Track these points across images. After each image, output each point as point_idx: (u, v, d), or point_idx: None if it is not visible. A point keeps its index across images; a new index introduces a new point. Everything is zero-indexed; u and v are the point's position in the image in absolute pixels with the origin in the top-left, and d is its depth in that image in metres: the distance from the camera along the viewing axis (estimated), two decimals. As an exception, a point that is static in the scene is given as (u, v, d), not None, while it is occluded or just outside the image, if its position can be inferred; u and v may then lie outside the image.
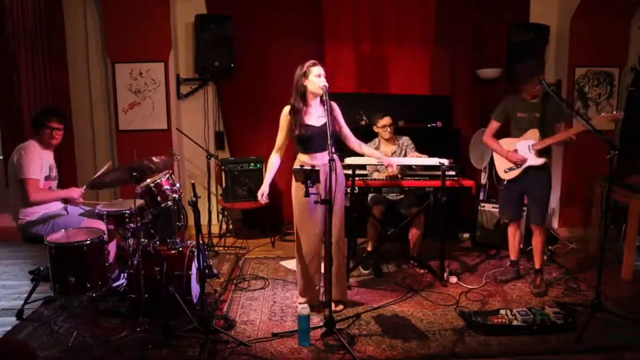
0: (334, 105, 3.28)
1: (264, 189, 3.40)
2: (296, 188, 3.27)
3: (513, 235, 4.01)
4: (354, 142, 3.46)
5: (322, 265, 3.49)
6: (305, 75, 3.17)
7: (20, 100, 4.70)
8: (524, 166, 3.73)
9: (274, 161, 3.42)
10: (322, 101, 3.14)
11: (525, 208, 4.21)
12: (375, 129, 4.27)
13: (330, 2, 5.11)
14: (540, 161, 3.69)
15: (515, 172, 3.78)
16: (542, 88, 3.64)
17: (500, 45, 5.16)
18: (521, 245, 4.43)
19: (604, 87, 5.15)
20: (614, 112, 3.56)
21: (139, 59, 4.86)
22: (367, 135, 4.48)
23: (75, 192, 3.59)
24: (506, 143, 3.83)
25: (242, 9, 5.05)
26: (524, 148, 3.73)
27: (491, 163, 4.84)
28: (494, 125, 3.90)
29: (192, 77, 5.19)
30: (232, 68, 4.99)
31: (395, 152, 4.26)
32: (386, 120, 4.19)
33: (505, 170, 3.85)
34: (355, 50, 5.20)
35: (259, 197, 3.40)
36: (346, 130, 3.41)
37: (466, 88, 5.31)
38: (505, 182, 3.89)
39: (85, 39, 5.11)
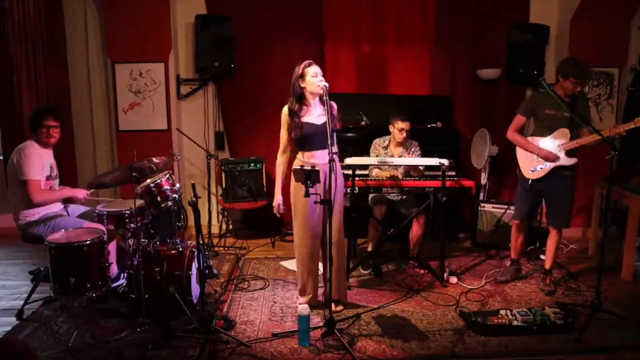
0: (334, 105, 3.28)
1: (279, 199, 3.37)
2: (295, 188, 3.27)
3: (517, 235, 3.98)
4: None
5: (321, 265, 3.50)
6: (302, 77, 3.17)
7: (20, 100, 4.70)
8: (552, 166, 3.61)
9: (282, 164, 3.37)
10: (322, 101, 3.14)
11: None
12: (391, 128, 4.25)
13: (330, 2, 5.12)
14: (572, 161, 3.57)
15: (543, 172, 3.65)
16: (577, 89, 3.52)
17: (500, 45, 5.16)
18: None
19: (604, 87, 5.15)
20: None
21: (139, 59, 4.86)
22: (368, 135, 4.49)
23: (81, 193, 3.57)
24: (533, 142, 3.70)
25: (242, 9, 5.04)
26: (553, 147, 3.61)
27: (491, 163, 4.86)
28: (519, 120, 3.76)
29: (192, 78, 5.19)
30: (232, 68, 4.99)
31: (402, 154, 4.25)
32: (405, 124, 4.14)
33: (531, 169, 3.70)
34: (355, 50, 5.20)
35: (275, 210, 3.38)
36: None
37: (466, 88, 5.31)
38: (529, 182, 3.72)
39: (85, 39, 5.12)
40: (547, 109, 3.65)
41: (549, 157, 3.60)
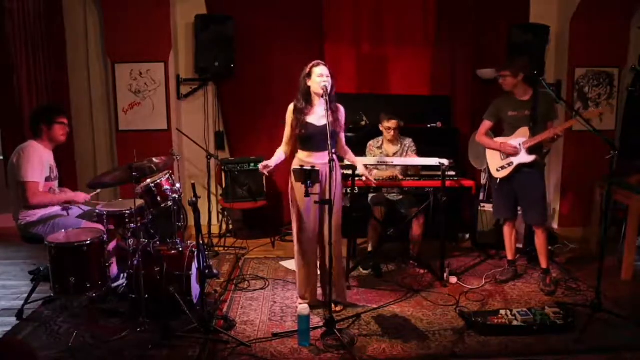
0: (341, 108, 3.33)
1: (269, 163, 3.28)
2: (296, 188, 3.28)
3: (509, 235, 4.02)
4: (343, 150, 3.46)
5: (319, 265, 3.50)
6: (309, 75, 3.22)
7: (20, 100, 4.70)
8: (515, 164, 3.75)
9: (280, 153, 3.40)
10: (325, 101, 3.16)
11: (519, 208, 4.20)
12: (380, 128, 4.26)
13: (330, 2, 5.12)
14: (530, 158, 3.72)
15: (508, 171, 3.81)
16: (533, 86, 3.73)
17: (500, 45, 5.16)
18: (520, 245, 4.43)
19: (604, 87, 5.15)
20: (594, 109, 3.63)
21: (139, 59, 4.86)
22: (368, 135, 4.48)
23: (81, 197, 3.57)
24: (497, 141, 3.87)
25: (242, 9, 5.04)
26: (515, 145, 3.76)
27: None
28: (485, 124, 3.95)
29: (192, 77, 5.19)
30: (232, 68, 4.99)
31: (397, 152, 4.26)
32: (392, 123, 4.16)
33: (497, 169, 3.87)
34: (355, 50, 5.20)
35: (260, 167, 3.28)
36: (342, 137, 3.43)
37: (466, 88, 5.31)
38: (498, 181, 3.89)
39: (85, 39, 5.11)
40: (510, 111, 3.83)
41: (509, 151, 3.77)
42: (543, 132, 3.68)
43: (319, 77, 3.17)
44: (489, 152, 3.94)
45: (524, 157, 3.73)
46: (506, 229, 4.03)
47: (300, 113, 3.25)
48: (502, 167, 3.84)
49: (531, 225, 3.96)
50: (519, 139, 3.75)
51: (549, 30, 5.10)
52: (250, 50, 5.10)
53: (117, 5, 4.75)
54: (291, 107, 3.31)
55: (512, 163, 3.78)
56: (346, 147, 3.48)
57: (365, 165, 3.64)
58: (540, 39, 5.06)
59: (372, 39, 5.20)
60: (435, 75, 5.27)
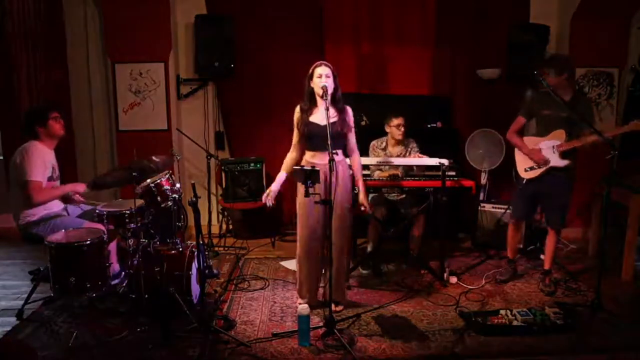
0: (348, 109, 3.34)
1: (274, 188, 3.35)
2: (299, 188, 3.29)
3: (513, 235, 4.00)
4: (350, 150, 3.45)
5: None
6: (311, 77, 3.24)
7: (20, 100, 4.70)
8: (546, 167, 3.62)
9: (289, 160, 3.41)
10: (331, 102, 3.17)
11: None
12: (387, 128, 4.24)
13: (330, 2, 5.12)
14: (563, 163, 3.57)
15: (537, 172, 3.66)
16: (572, 87, 3.57)
17: (500, 45, 5.15)
18: (521, 245, 4.43)
19: (604, 87, 5.15)
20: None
21: (139, 59, 4.86)
22: (368, 135, 4.48)
23: (81, 187, 3.56)
24: (529, 142, 3.72)
25: (242, 9, 5.05)
26: (548, 148, 3.61)
27: (499, 165, 4.85)
28: (519, 121, 3.78)
29: (192, 77, 5.19)
30: (232, 68, 4.99)
31: (401, 153, 4.25)
32: (400, 119, 4.16)
33: (525, 169, 3.72)
34: (355, 50, 5.20)
35: (264, 197, 3.35)
36: (351, 138, 3.41)
37: (466, 88, 5.31)
38: (524, 181, 3.74)
39: (85, 39, 5.11)
40: (544, 109, 3.65)
41: (537, 160, 3.62)
42: (577, 137, 3.51)
43: (318, 78, 3.19)
44: (517, 151, 3.79)
45: (557, 161, 3.57)
46: (512, 229, 3.98)
47: (304, 113, 3.29)
48: (532, 168, 3.68)
49: (548, 226, 3.83)
50: (553, 141, 3.59)
51: (549, 30, 5.10)
52: (250, 50, 5.10)
53: (117, 5, 4.75)
54: (297, 108, 3.34)
55: (543, 165, 3.62)
56: (355, 151, 3.44)
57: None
58: (540, 39, 5.06)
59: (372, 38, 5.20)
60: (435, 75, 5.27)
